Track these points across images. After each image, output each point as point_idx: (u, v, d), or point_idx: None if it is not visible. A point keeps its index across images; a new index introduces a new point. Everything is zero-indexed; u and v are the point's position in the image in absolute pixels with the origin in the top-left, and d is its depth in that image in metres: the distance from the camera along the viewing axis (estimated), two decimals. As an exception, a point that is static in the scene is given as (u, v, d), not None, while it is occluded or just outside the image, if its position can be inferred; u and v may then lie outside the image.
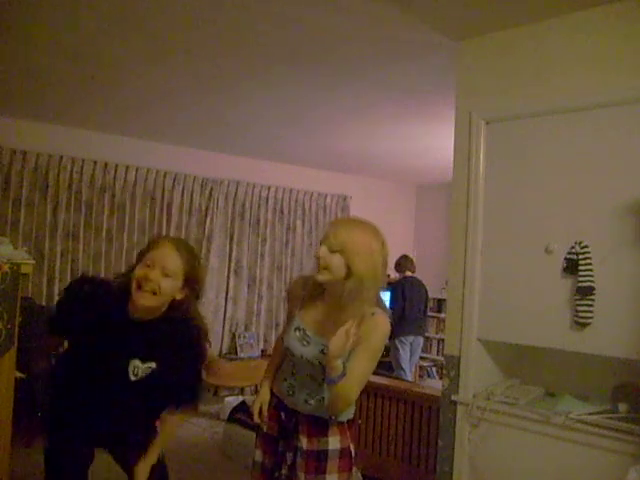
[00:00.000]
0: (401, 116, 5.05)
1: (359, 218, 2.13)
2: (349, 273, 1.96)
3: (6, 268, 2.71)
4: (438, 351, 7.73)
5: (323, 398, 2.08)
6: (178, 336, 2.11)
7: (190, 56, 3.82)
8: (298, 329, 2.12)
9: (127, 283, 2.00)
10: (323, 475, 2.08)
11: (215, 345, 6.89)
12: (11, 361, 2.95)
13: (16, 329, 2.93)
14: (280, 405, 2.19)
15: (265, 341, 7.27)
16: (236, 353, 6.85)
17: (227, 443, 4.75)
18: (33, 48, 3.77)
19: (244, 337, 6.99)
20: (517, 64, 2.90)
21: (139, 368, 2.06)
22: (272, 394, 2.25)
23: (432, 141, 5.84)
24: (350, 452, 2.14)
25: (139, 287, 1.95)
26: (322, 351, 2.03)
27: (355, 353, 1.98)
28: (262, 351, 7.08)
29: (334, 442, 2.10)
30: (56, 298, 5.74)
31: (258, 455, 2.23)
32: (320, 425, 2.11)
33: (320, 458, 2.09)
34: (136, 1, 3.04)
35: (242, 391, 6.74)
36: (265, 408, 2.22)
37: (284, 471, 2.13)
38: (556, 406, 2.68)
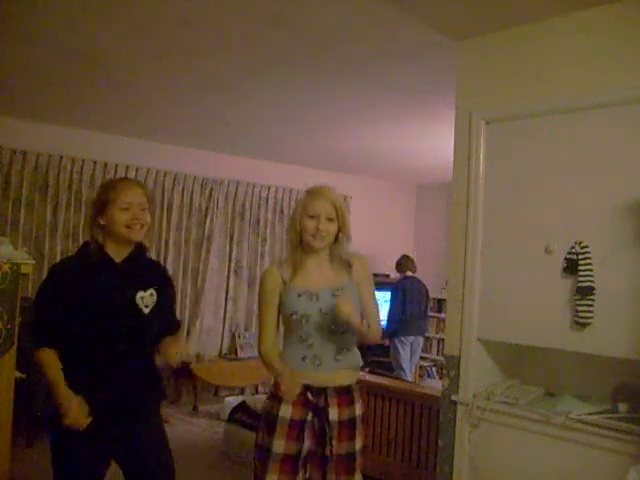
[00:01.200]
0: (401, 116, 5.05)
1: (325, 185, 2.53)
2: (339, 234, 2.34)
3: (6, 268, 2.72)
4: (438, 351, 7.73)
5: (348, 349, 2.30)
6: (153, 262, 2.47)
7: (190, 56, 3.82)
8: (300, 294, 2.28)
9: (93, 237, 2.22)
10: (353, 441, 2.27)
11: (215, 345, 6.90)
12: (11, 361, 2.95)
13: (16, 329, 2.93)
14: (304, 389, 2.27)
15: (265, 341, 7.27)
16: (236, 353, 6.85)
17: (227, 443, 4.75)
18: (33, 48, 3.77)
19: (244, 337, 6.99)
20: (517, 64, 2.90)
21: (145, 297, 2.23)
22: (302, 388, 2.30)
23: (432, 141, 5.84)
24: (365, 415, 2.38)
25: (128, 227, 2.20)
26: (333, 295, 2.26)
27: (363, 292, 2.34)
28: (262, 351, 7.07)
29: (359, 408, 2.32)
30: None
31: (279, 446, 2.23)
32: (347, 393, 2.29)
33: (350, 426, 2.27)
34: (136, 1, 3.04)
35: (242, 391, 6.74)
36: (295, 386, 2.27)
37: (325, 449, 2.25)
38: (556, 406, 2.68)
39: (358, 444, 2.29)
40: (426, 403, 3.78)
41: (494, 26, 2.92)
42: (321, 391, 2.26)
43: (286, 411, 2.25)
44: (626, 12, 2.56)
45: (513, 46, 2.92)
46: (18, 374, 3.07)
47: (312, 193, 2.42)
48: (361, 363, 2.40)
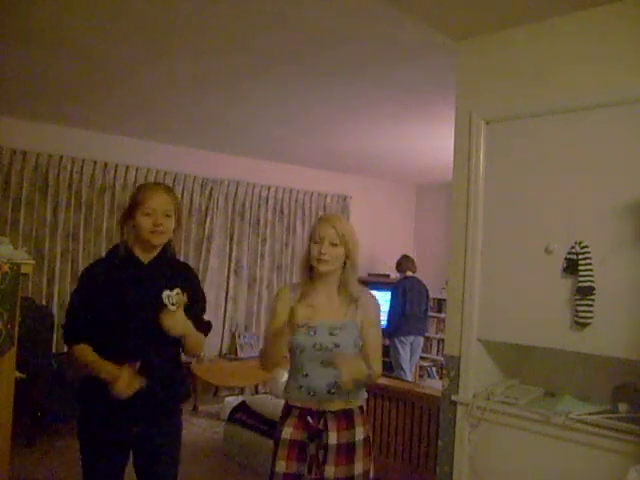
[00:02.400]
0: (401, 116, 5.05)
1: (335, 213, 2.44)
2: (346, 261, 2.33)
3: (6, 268, 2.71)
4: (438, 351, 7.73)
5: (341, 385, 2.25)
6: (180, 262, 2.53)
7: (190, 56, 3.82)
8: (300, 326, 2.23)
9: (123, 238, 2.33)
10: (352, 465, 2.27)
11: (215, 345, 6.90)
12: (11, 361, 2.94)
13: (16, 329, 2.93)
14: (304, 412, 2.31)
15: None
16: (236, 353, 6.85)
17: (227, 443, 4.75)
18: (33, 48, 3.77)
19: (244, 337, 6.99)
20: (517, 64, 2.90)
21: (171, 296, 2.25)
22: (289, 408, 2.36)
23: (432, 141, 5.84)
24: (370, 440, 2.37)
25: (151, 232, 2.27)
26: (330, 333, 2.29)
27: (368, 335, 2.34)
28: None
29: (359, 432, 2.32)
30: (56, 298, 5.75)
31: (280, 466, 2.31)
32: (347, 418, 2.31)
33: (349, 450, 2.28)
34: (136, 2, 3.04)
35: (242, 391, 6.74)
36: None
37: (316, 474, 2.26)
38: (556, 406, 2.68)
39: (358, 469, 2.28)
40: (426, 403, 3.78)
41: (494, 26, 2.92)
42: (321, 415, 2.30)
43: (287, 433, 2.32)
44: (626, 12, 2.55)
45: (513, 46, 2.92)
46: (18, 374, 3.07)
47: (320, 219, 2.43)
48: (361, 395, 2.39)
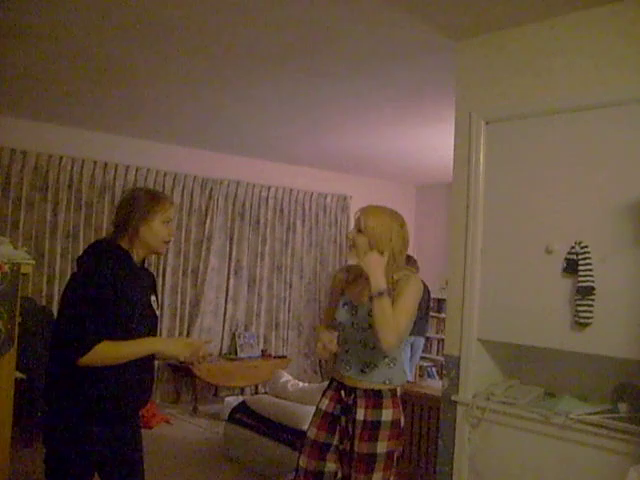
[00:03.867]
0: (401, 116, 5.05)
1: (383, 206, 2.58)
2: (372, 249, 2.36)
3: (6, 268, 2.71)
4: (438, 351, 7.73)
5: (376, 365, 2.38)
6: (149, 269, 2.48)
7: (190, 56, 3.82)
8: (345, 304, 2.46)
9: (118, 241, 2.23)
10: (375, 442, 2.34)
11: (215, 345, 6.90)
12: (11, 361, 2.95)
13: (16, 329, 2.93)
14: (339, 386, 2.46)
15: (265, 341, 7.27)
16: (236, 353, 6.85)
17: (227, 443, 4.75)
18: (33, 48, 3.77)
19: (244, 337, 6.99)
20: (517, 64, 2.90)
21: (155, 302, 2.34)
22: (331, 380, 2.52)
23: (432, 141, 5.84)
24: (400, 424, 2.40)
25: (166, 241, 2.29)
26: (369, 313, 2.34)
27: (397, 299, 2.33)
28: (262, 351, 7.07)
29: (387, 414, 2.36)
30: (56, 298, 5.75)
31: (312, 432, 2.47)
32: (376, 398, 2.37)
33: (374, 427, 2.35)
34: (136, 2, 3.04)
35: (242, 391, 6.74)
36: (329, 343, 2.39)
37: (341, 446, 2.40)
38: (556, 406, 2.68)
39: (382, 447, 2.35)
40: (426, 403, 3.78)
41: (494, 26, 2.92)
42: (352, 391, 2.41)
43: (323, 404, 2.49)
44: (626, 12, 2.56)
45: (513, 46, 2.92)
46: (18, 374, 3.07)
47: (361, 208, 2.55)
48: (396, 380, 2.40)
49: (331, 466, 2.42)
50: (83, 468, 2.16)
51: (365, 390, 2.38)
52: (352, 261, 2.49)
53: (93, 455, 2.16)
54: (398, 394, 2.42)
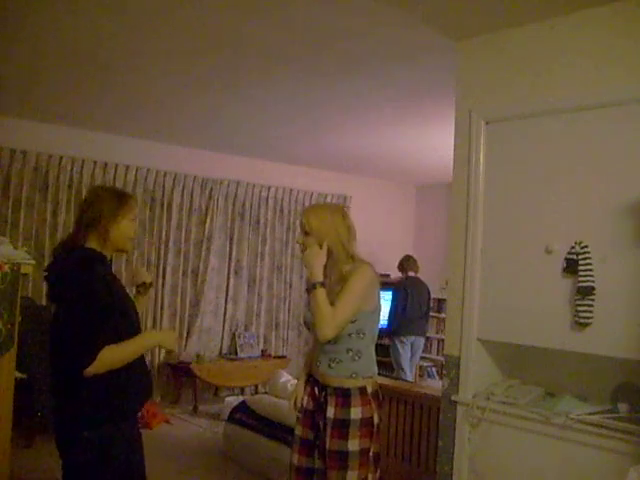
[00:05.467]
0: (401, 116, 5.05)
1: (322, 202, 2.65)
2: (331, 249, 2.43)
3: (6, 268, 2.71)
4: (438, 351, 7.73)
5: (341, 360, 2.41)
6: None
7: (190, 56, 3.82)
8: (308, 304, 2.51)
9: (86, 242, 2.20)
10: (345, 441, 2.36)
11: (215, 345, 6.90)
12: (11, 361, 2.94)
13: (16, 329, 2.93)
14: (314, 382, 2.52)
15: (265, 341, 7.27)
16: (236, 353, 6.85)
17: (227, 443, 4.75)
18: (34, 48, 3.77)
19: (244, 337, 6.99)
20: (517, 64, 2.90)
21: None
22: (309, 375, 2.58)
23: (432, 141, 5.84)
24: (372, 421, 2.40)
25: (132, 239, 2.29)
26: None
27: (339, 293, 2.37)
28: (262, 351, 7.08)
29: (356, 412, 2.38)
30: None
31: (298, 429, 2.54)
32: (345, 396, 2.39)
33: (343, 425, 2.37)
34: (136, 2, 3.04)
35: (242, 391, 6.74)
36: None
37: (317, 442, 2.46)
38: (556, 406, 2.68)
39: (353, 445, 2.36)
40: (426, 403, 3.78)
41: (494, 26, 2.92)
42: (324, 388, 2.46)
43: (304, 400, 2.55)
44: (626, 12, 2.55)
45: (513, 46, 2.92)
46: (18, 374, 3.07)
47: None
48: (362, 372, 2.42)
49: (320, 462, 2.46)
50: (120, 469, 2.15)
51: (335, 388, 2.42)
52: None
53: (122, 456, 2.14)
54: (368, 391, 2.42)
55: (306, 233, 2.48)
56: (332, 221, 2.47)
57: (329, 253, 2.44)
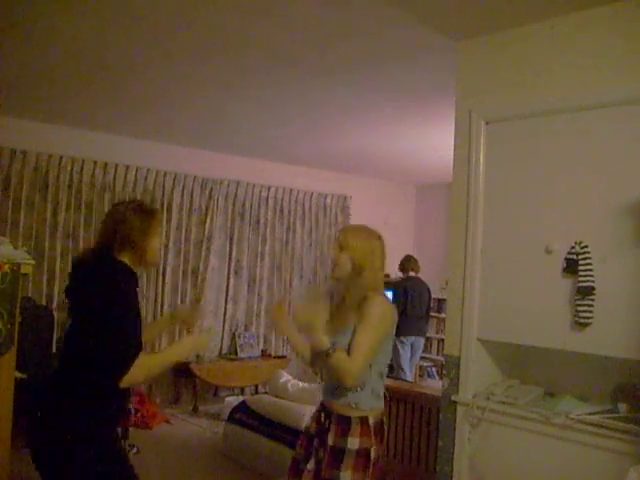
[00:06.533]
0: (401, 116, 5.05)
1: (360, 224, 2.62)
2: (353, 267, 2.37)
3: (6, 268, 2.72)
4: (438, 351, 7.73)
5: (344, 389, 2.34)
6: None
7: (190, 56, 3.82)
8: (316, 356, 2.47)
9: (115, 255, 2.21)
10: (338, 471, 2.29)
11: (215, 345, 6.90)
12: (11, 361, 2.95)
13: (16, 329, 2.93)
14: (322, 408, 2.49)
15: (265, 341, 7.27)
16: (236, 353, 6.85)
17: (227, 443, 4.75)
18: (34, 48, 3.77)
19: (244, 337, 6.99)
20: (517, 64, 2.90)
21: None
22: (321, 403, 2.52)
23: (432, 141, 5.84)
24: (368, 454, 2.32)
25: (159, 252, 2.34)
26: (333, 342, 2.32)
27: (356, 330, 2.31)
28: (262, 351, 7.07)
29: (353, 442, 2.32)
30: (56, 298, 5.75)
31: (297, 450, 2.53)
32: (345, 424, 2.35)
33: (338, 454, 2.32)
34: (136, 2, 3.04)
35: (242, 391, 6.74)
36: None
37: (309, 465, 2.40)
38: (556, 406, 2.68)
39: (345, 477, 2.29)
40: (426, 403, 3.78)
41: (494, 26, 2.92)
42: (329, 414, 2.43)
43: (308, 422, 2.56)
44: (626, 12, 2.56)
45: (513, 46, 2.92)
46: (18, 374, 3.07)
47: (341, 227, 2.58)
48: (362, 405, 2.36)
49: None
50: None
51: (338, 416, 2.38)
52: (335, 281, 2.51)
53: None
54: (370, 423, 2.35)
55: (341, 249, 2.41)
56: (370, 243, 2.45)
57: (357, 271, 2.37)
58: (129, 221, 2.21)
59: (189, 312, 2.75)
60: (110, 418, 2.20)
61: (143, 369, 2.10)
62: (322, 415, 2.46)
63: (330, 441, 2.35)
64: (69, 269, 2.36)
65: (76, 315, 2.21)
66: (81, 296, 2.20)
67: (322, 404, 2.50)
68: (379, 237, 2.50)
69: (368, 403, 2.37)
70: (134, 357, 2.08)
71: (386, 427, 2.47)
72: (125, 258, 2.21)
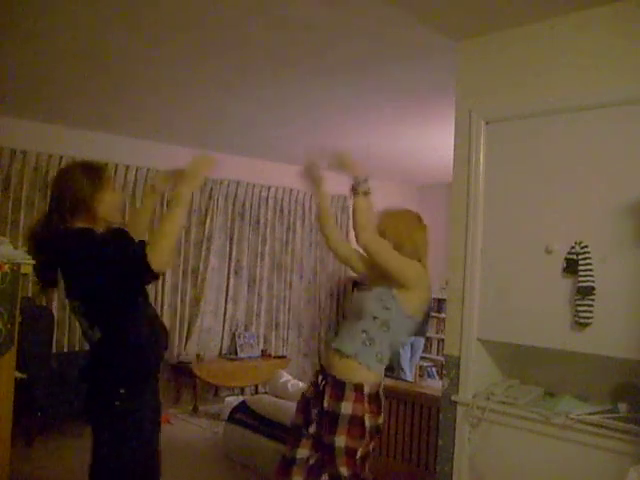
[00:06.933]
0: (401, 116, 5.05)
1: (398, 207, 2.82)
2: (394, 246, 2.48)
3: (6, 268, 2.71)
4: (438, 351, 7.72)
5: (354, 337, 2.42)
6: None
7: (190, 56, 3.82)
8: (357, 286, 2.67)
9: (89, 219, 2.16)
10: (333, 435, 2.35)
11: (215, 345, 6.90)
12: (11, 361, 2.95)
13: (16, 329, 2.93)
14: (320, 370, 2.53)
15: (265, 341, 7.27)
16: (236, 353, 6.84)
17: (227, 443, 4.75)
18: (34, 48, 3.77)
19: (244, 337, 6.99)
20: (517, 64, 2.90)
21: None
22: (320, 368, 2.56)
23: (432, 141, 5.84)
24: (362, 422, 2.36)
25: (119, 209, 2.28)
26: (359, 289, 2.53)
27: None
28: (262, 351, 7.07)
29: (346, 407, 2.36)
30: (56, 298, 5.75)
31: (295, 416, 2.56)
32: (339, 390, 2.38)
33: (333, 419, 2.36)
34: (136, 3, 3.04)
35: (242, 391, 6.74)
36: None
37: (312, 429, 2.45)
38: (556, 406, 2.68)
39: (339, 441, 2.34)
40: (426, 403, 3.78)
41: (494, 26, 2.92)
42: (325, 377, 2.47)
43: (305, 387, 2.61)
44: (626, 12, 2.56)
45: (513, 46, 2.92)
46: (18, 374, 3.07)
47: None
48: (363, 359, 2.40)
49: (303, 452, 2.44)
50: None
51: (334, 379, 2.42)
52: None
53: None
54: (365, 391, 2.38)
55: (381, 234, 2.51)
56: (407, 223, 2.60)
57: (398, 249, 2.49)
58: (75, 183, 2.15)
59: (166, 174, 2.64)
60: (150, 372, 2.29)
61: (160, 240, 2.02)
62: (319, 378, 2.50)
63: (325, 404, 2.40)
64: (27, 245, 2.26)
65: (74, 294, 2.20)
66: (67, 275, 2.18)
67: (321, 367, 2.54)
68: (418, 216, 2.66)
69: (369, 361, 2.41)
70: (142, 247, 2.00)
71: (383, 399, 2.50)
72: (79, 224, 2.14)
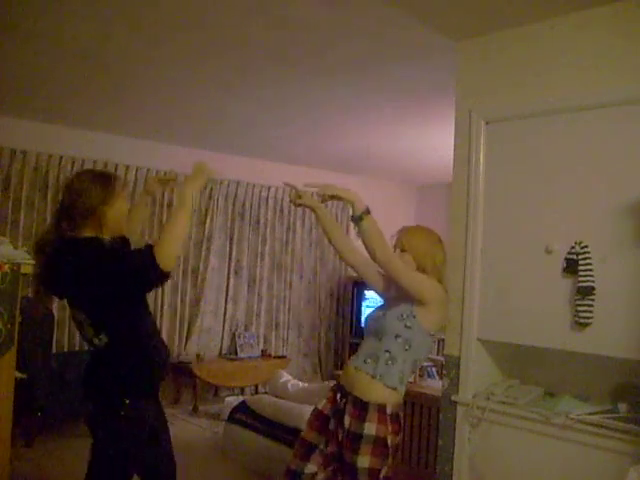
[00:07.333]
0: (401, 116, 5.05)
1: (418, 225, 2.74)
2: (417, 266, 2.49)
3: (6, 268, 2.71)
4: (438, 351, 7.72)
5: (378, 358, 2.39)
6: None
7: (190, 56, 3.82)
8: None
9: (97, 228, 2.20)
10: (356, 455, 2.32)
11: (215, 345, 6.90)
12: (11, 361, 2.95)
13: (16, 329, 2.93)
14: (338, 388, 2.51)
15: (265, 341, 7.27)
16: (236, 353, 6.84)
17: (227, 443, 4.75)
18: (34, 48, 3.77)
19: (244, 337, 6.99)
20: (517, 64, 2.90)
21: None
22: (337, 385, 2.55)
23: (432, 141, 5.84)
24: (385, 443, 2.35)
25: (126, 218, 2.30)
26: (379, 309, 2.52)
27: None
28: (262, 351, 7.07)
29: (370, 428, 2.33)
30: (56, 298, 5.74)
31: (304, 431, 2.53)
32: (361, 410, 2.36)
33: (356, 439, 2.34)
34: (135, 3, 3.04)
35: (242, 391, 6.74)
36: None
37: (330, 448, 2.43)
38: (556, 406, 2.68)
39: (362, 462, 2.32)
40: (426, 403, 3.78)
41: (494, 26, 2.92)
42: (345, 395, 2.44)
43: (320, 403, 2.53)
44: (626, 12, 2.56)
45: (513, 46, 2.92)
46: (18, 374, 3.07)
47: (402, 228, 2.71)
48: (388, 381, 2.39)
49: (312, 467, 2.42)
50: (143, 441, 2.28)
51: (355, 398, 2.39)
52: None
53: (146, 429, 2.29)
54: (388, 411, 2.37)
55: (402, 251, 2.51)
56: (430, 242, 2.55)
57: (420, 270, 2.49)
58: (87, 190, 2.17)
59: (159, 177, 2.68)
60: (154, 384, 2.36)
61: (163, 249, 2.05)
62: (338, 396, 2.47)
63: (346, 423, 2.37)
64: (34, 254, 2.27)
65: (79, 305, 2.22)
66: (74, 290, 2.20)
67: (338, 385, 2.52)
68: (438, 238, 2.60)
69: (391, 382, 2.39)
70: (150, 253, 2.04)
71: (402, 420, 2.50)
72: (87, 232, 2.15)
